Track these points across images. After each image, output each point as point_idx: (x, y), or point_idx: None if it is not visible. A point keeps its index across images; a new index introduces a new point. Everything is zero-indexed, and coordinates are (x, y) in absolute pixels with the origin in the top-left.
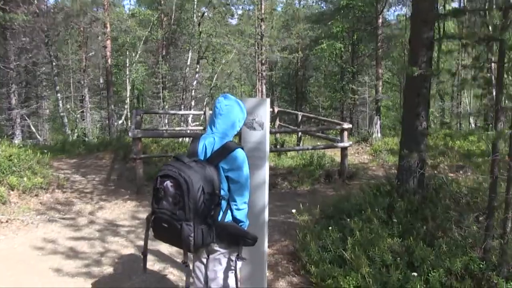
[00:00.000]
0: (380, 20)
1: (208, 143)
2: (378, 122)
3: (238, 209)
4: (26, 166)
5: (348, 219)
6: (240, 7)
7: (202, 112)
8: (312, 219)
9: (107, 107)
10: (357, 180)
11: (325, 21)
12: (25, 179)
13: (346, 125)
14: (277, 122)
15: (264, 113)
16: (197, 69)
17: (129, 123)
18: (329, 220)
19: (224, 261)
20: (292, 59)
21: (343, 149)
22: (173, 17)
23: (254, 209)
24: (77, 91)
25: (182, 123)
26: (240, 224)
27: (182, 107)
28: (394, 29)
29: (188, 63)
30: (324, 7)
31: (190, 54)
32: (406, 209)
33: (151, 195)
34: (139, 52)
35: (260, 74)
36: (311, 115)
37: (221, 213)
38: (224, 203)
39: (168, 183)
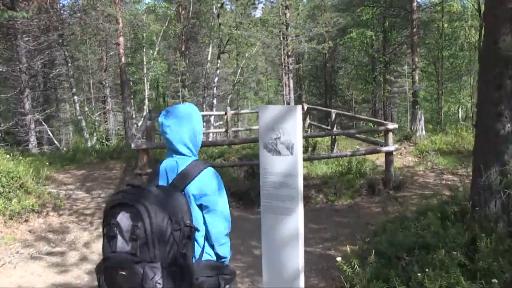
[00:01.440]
0: (414, 3)
1: (170, 168)
2: (422, 117)
3: (220, 244)
4: (17, 185)
5: (411, 259)
6: None
7: (224, 113)
8: (360, 258)
9: (122, 109)
10: (406, 191)
11: (354, 7)
12: (14, 201)
13: (391, 125)
14: (307, 121)
15: (294, 128)
16: (218, 65)
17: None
18: (384, 259)
19: None
20: (322, 49)
21: (388, 154)
22: (191, 9)
23: (284, 274)
24: (99, 92)
25: (204, 124)
26: (222, 261)
27: (204, 106)
28: (430, 13)
29: (209, 58)
30: None
31: (210, 48)
32: (493, 248)
33: (102, 236)
34: (157, 48)
35: (286, 67)
36: (346, 113)
37: (198, 250)
38: (199, 237)
39: (122, 215)
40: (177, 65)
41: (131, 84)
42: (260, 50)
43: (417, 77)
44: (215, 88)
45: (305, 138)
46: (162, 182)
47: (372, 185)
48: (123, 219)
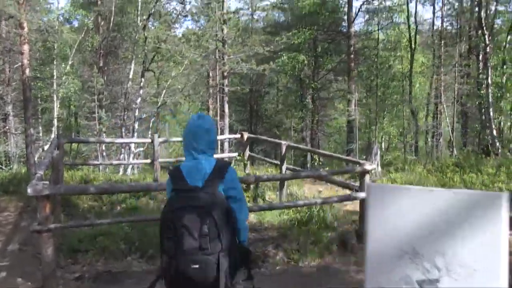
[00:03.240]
0: (352, 29)
1: (195, 168)
2: (379, 152)
3: (245, 229)
4: None
5: None
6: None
7: (149, 140)
8: None
9: (25, 131)
10: None
11: (284, 31)
12: None
13: (368, 166)
14: (247, 153)
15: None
16: (142, 84)
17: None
18: None
19: None
20: (262, 71)
21: (363, 202)
22: (112, 20)
23: None
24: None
25: (123, 151)
26: (244, 244)
27: (123, 130)
28: (364, 40)
29: (131, 76)
30: (283, 16)
31: (133, 65)
32: None
33: (164, 242)
34: (70, 62)
35: (221, 90)
36: (302, 147)
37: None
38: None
39: (189, 216)
40: (94, 82)
41: (38, 102)
42: (186, 70)
43: (353, 105)
44: (137, 110)
45: (262, 180)
46: (189, 181)
47: (344, 240)
48: (190, 219)
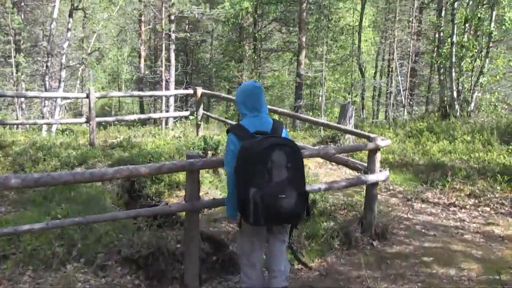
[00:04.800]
0: None
1: (260, 123)
2: (353, 114)
3: None
4: None
5: None
6: None
7: (84, 95)
8: None
9: None
10: (396, 242)
11: None
12: None
13: (381, 141)
14: (201, 112)
15: None
16: (70, 25)
17: None
18: None
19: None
20: (217, 16)
21: (371, 186)
22: None
23: None
24: None
25: (46, 103)
26: None
27: (47, 79)
28: None
29: (55, 15)
30: None
31: (57, 2)
32: None
33: (253, 177)
34: None
35: (167, 36)
36: (283, 111)
37: None
38: None
39: (277, 152)
40: (8, 20)
41: None
42: (121, 11)
43: (303, 59)
44: (63, 57)
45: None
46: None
47: (347, 232)
48: (279, 155)
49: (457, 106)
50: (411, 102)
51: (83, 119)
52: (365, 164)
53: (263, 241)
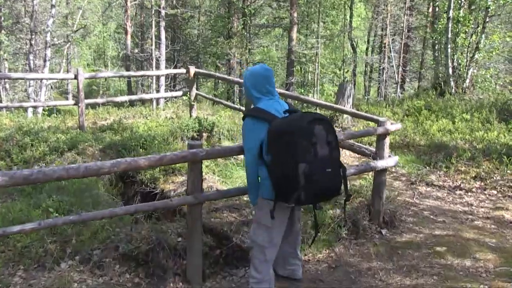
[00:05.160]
0: None
1: (278, 104)
2: (352, 93)
3: None
4: None
5: None
6: None
7: (72, 76)
8: None
9: None
10: (406, 231)
11: None
12: None
13: (392, 125)
14: (194, 92)
15: None
16: (54, 1)
17: None
18: None
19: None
20: None
21: (381, 172)
22: None
23: None
24: None
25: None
26: None
27: (31, 58)
28: None
29: None
30: None
31: None
32: None
33: (300, 149)
34: None
35: (157, 12)
36: (287, 93)
37: None
38: None
39: (318, 127)
40: None
41: None
42: None
43: (294, 34)
44: (48, 34)
45: None
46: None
47: (355, 220)
48: (319, 129)
49: (452, 83)
50: (404, 78)
51: (71, 101)
52: (372, 149)
53: (282, 234)
